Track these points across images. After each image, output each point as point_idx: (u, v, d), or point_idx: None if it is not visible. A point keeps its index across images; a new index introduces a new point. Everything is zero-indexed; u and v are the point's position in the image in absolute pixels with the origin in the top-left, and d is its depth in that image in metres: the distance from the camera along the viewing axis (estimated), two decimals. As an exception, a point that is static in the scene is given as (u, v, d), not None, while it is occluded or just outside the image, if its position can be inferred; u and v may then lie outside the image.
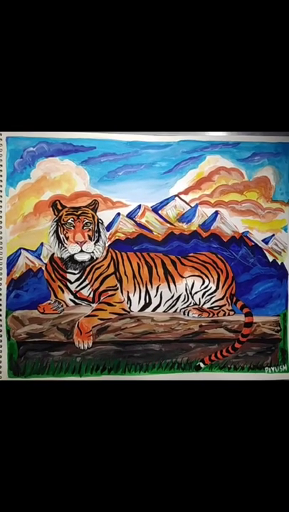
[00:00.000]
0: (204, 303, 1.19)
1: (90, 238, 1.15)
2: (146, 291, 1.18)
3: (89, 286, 1.17)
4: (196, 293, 1.19)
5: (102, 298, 1.17)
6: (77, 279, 1.16)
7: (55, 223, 1.15)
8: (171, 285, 1.18)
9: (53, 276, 1.16)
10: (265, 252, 1.20)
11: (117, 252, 1.17)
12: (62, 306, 1.16)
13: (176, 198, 1.18)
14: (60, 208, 1.15)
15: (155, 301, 1.18)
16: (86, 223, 1.14)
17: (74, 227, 1.14)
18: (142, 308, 1.18)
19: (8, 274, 1.14)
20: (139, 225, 1.18)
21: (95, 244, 1.15)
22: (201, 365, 1.17)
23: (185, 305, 1.19)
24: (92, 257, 1.16)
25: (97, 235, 1.16)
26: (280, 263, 1.20)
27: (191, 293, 1.19)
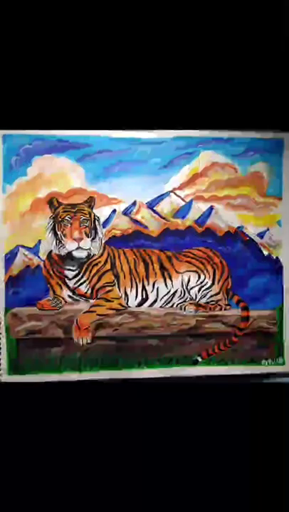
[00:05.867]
0: (200, 298, 1.20)
1: (87, 235, 1.16)
2: (143, 287, 1.19)
3: (87, 282, 1.18)
4: (192, 288, 1.20)
5: (99, 294, 1.18)
6: (75, 276, 1.17)
7: (52, 220, 1.16)
8: (168, 281, 1.19)
9: (51, 273, 1.17)
10: (260, 246, 1.21)
11: (113, 248, 1.18)
12: (60, 302, 1.17)
13: (171, 193, 1.19)
14: (56, 205, 1.16)
15: (152, 297, 1.19)
16: (83, 220, 1.15)
17: (71, 224, 1.15)
18: (139, 304, 1.19)
19: (6, 272, 1.15)
20: (135, 222, 1.19)
21: (91, 241, 1.16)
22: (199, 359, 1.18)
23: (181, 300, 1.20)
24: (89, 254, 1.17)
25: (93, 231, 1.17)
26: (274, 257, 1.21)
27: (187, 288, 1.20)
